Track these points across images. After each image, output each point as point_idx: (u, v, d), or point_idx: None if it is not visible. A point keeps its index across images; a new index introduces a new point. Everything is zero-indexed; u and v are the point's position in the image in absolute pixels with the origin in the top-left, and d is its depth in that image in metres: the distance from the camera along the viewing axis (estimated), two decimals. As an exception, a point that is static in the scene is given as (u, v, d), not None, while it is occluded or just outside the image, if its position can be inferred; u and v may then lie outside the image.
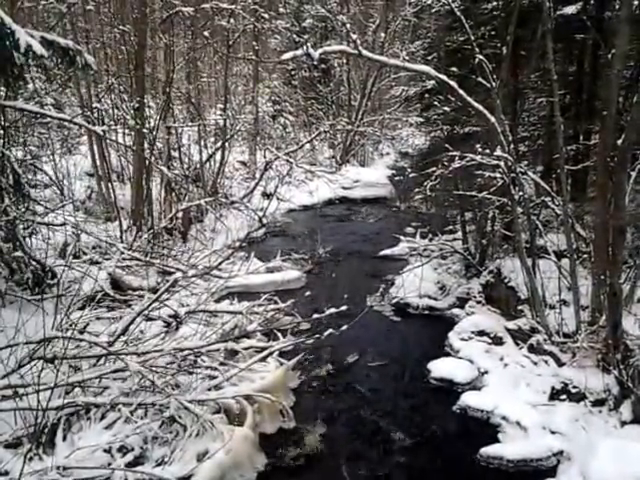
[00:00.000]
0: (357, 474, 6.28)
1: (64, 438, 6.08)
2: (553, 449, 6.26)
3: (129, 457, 5.89)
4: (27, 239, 9.58)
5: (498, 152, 7.87)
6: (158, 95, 16.67)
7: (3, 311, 7.96)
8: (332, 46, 7.93)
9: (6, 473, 5.38)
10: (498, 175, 8.38)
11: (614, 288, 6.83)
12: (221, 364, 7.63)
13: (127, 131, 15.25)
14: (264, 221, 14.02)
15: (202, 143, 17.40)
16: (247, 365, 7.57)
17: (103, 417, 6.42)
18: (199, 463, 5.79)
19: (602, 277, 7.03)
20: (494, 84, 7.80)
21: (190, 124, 17.76)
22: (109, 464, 5.74)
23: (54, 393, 5.92)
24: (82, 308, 8.55)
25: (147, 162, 13.13)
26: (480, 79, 7.81)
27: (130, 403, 6.41)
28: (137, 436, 6.09)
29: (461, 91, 7.40)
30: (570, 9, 9.52)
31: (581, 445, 6.17)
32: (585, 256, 8.48)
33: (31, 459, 5.53)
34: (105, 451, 5.90)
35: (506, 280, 9.51)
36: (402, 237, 14.43)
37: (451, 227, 13.87)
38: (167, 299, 8.99)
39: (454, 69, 9.13)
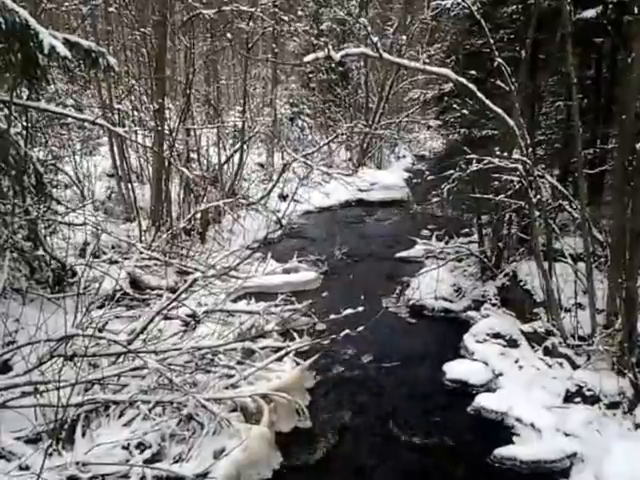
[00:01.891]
0: (371, 474, 6.34)
1: (83, 434, 6.16)
2: (567, 451, 6.28)
3: (147, 454, 5.96)
4: (48, 238, 9.69)
5: (516, 155, 7.89)
6: (178, 97, 16.79)
7: (24, 309, 8.06)
8: (352, 48, 7.94)
9: (27, 468, 5.48)
10: (515, 178, 8.39)
11: (630, 292, 6.83)
12: (238, 363, 7.69)
13: (147, 132, 15.37)
14: (282, 222, 14.09)
15: (221, 145, 17.47)
16: (264, 364, 7.64)
17: (122, 414, 6.52)
18: (216, 461, 5.85)
19: (618, 280, 7.02)
20: (513, 87, 7.81)
21: (209, 126, 17.85)
22: (127, 460, 5.82)
23: (74, 390, 6.02)
24: (102, 307, 8.65)
25: (166, 163, 13.24)
26: (499, 82, 7.82)
27: (148, 401, 6.50)
28: (155, 433, 6.16)
29: (480, 94, 7.41)
30: (589, 13, 9.48)
31: (595, 447, 6.18)
32: (601, 260, 8.46)
33: (51, 454, 5.63)
34: (123, 448, 5.97)
35: (522, 283, 9.50)
36: (418, 239, 14.47)
37: (467, 230, 13.85)
38: (185, 299, 9.06)
39: (473, 72, 9.14)
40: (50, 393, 6.04)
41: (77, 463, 5.60)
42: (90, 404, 6.39)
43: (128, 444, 6.00)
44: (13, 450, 5.77)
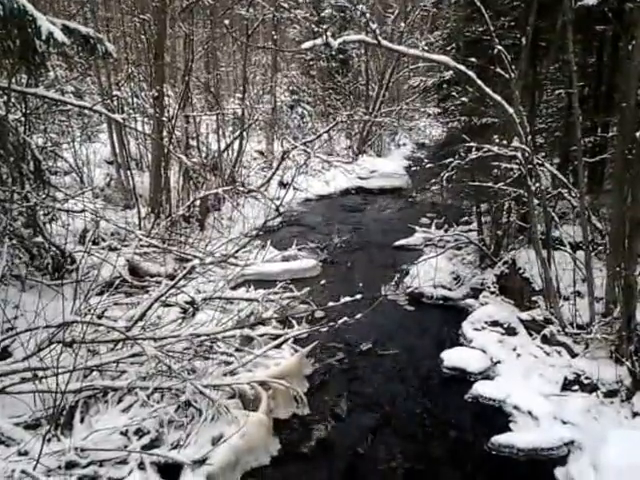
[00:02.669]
0: (369, 460, 6.34)
1: (82, 420, 6.19)
2: (564, 439, 6.28)
3: (145, 440, 5.97)
4: (47, 225, 9.69)
5: (515, 143, 7.87)
6: (177, 84, 16.75)
7: (23, 295, 8.08)
8: (351, 36, 7.89)
9: (25, 453, 5.50)
10: (515, 166, 8.38)
11: (629, 280, 6.82)
12: (236, 350, 7.72)
13: (146, 119, 15.35)
14: (280, 210, 14.09)
15: (220, 132, 17.45)
16: (262, 352, 7.65)
17: (120, 400, 6.54)
18: (214, 447, 5.87)
19: (617, 269, 7.01)
20: (513, 75, 7.77)
21: (208, 113, 17.82)
22: (125, 446, 5.83)
23: (72, 376, 6.03)
24: (100, 293, 8.65)
25: (166, 150, 13.22)
26: (499, 70, 7.78)
27: (147, 387, 6.51)
28: (153, 419, 6.18)
29: (480, 82, 7.37)
30: (591, 0, 9.43)
31: (592, 435, 6.18)
32: (600, 248, 8.46)
33: (49, 440, 5.65)
34: (122, 434, 5.99)
35: (521, 271, 9.49)
36: (417, 227, 14.47)
37: (466, 218, 13.87)
38: (184, 286, 9.06)
39: (473, 60, 9.11)
40: (49, 379, 6.06)
41: (76, 449, 5.61)
42: (89, 390, 6.42)
43: (126, 430, 6.02)
44: (12, 435, 5.80)
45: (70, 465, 5.47)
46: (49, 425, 5.79)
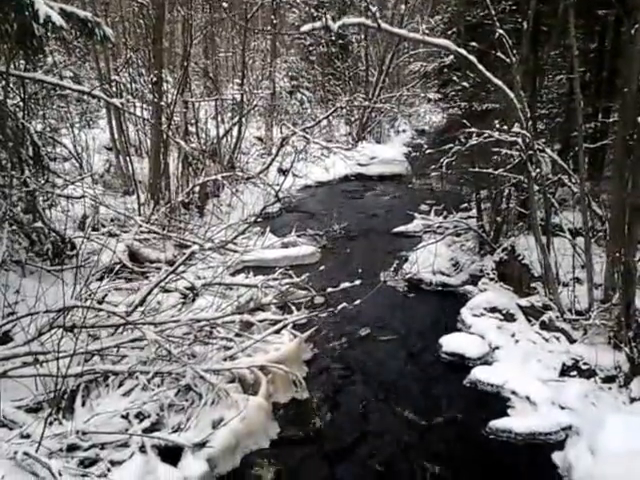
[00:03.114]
0: (367, 444, 6.39)
1: (83, 404, 6.23)
2: (562, 424, 6.34)
3: (146, 423, 6.02)
4: (47, 211, 9.68)
5: (516, 129, 7.84)
6: (176, 69, 16.68)
7: (24, 281, 8.09)
8: (351, 19, 7.81)
9: (27, 436, 5.53)
10: (515, 152, 8.35)
11: (629, 266, 6.82)
12: (236, 335, 7.74)
13: (145, 105, 15.27)
14: (280, 196, 14.07)
15: (219, 118, 17.37)
16: (262, 337, 7.67)
17: (121, 384, 6.58)
18: (214, 430, 5.93)
19: (617, 255, 7.02)
20: (514, 60, 7.74)
21: (207, 99, 17.74)
22: (126, 430, 5.87)
23: (73, 360, 6.05)
24: (101, 279, 8.66)
25: (165, 136, 13.17)
26: (500, 54, 7.74)
27: (147, 371, 6.55)
28: (154, 403, 6.22)
29: (480, 66, 7.33)
30: (593, -16, 9.39)
31: (590, 420, 6.21)
32: (600, 234, 8.46)
33: (51, 423, 5.69)
34: (123, 417, 6.03)
35: (520, 257, 9.50)
36: (417, 214, 14.47)
37: (466, 205, 13.82)
38: (184, 271, 9.07)
39: (474, 44, 9.06)
40: (50, 363, 6.08)
41: (77, 432, 5.65)
42: (90, 374, 6.45)
43: (127, 413, 6.06)
44: (14, 419, 5.84)
45: (72, 448, 5.52)
46: (51, 408, 5.82)
